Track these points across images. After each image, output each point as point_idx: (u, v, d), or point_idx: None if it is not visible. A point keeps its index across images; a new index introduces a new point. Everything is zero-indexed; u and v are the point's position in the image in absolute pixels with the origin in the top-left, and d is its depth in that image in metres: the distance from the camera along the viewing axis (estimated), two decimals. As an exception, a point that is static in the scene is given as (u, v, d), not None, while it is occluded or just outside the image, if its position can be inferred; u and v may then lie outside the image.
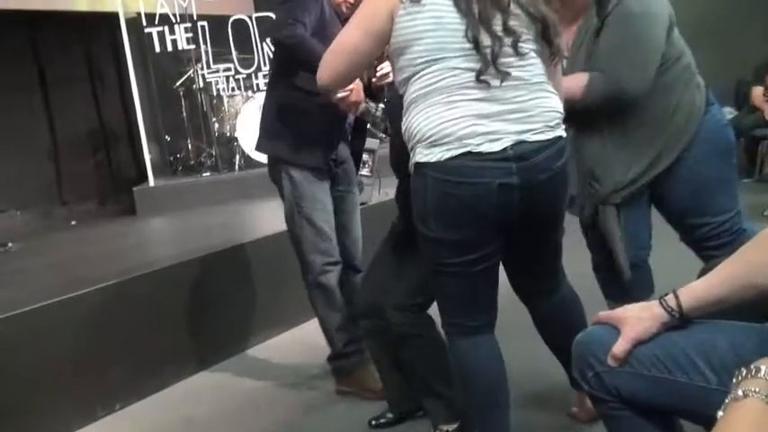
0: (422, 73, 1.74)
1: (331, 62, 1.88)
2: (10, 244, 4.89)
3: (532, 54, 1.77)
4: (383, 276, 2.41)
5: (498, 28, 1.71)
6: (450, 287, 1.86)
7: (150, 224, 5.61)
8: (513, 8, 1.74)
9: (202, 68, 6.58)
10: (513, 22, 1.73)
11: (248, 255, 3.66)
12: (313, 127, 2.77)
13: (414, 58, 1.75)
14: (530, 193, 1.74)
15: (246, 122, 6.07)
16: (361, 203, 3.43)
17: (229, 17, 6.67)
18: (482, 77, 1.70)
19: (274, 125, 2.86)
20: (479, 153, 1.69)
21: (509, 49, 1.72)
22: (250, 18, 6.71)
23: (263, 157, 3.14)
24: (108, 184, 7.25)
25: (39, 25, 6.59)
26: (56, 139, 7.00)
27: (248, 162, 6.18)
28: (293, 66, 2.69)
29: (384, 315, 2.35)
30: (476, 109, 1.70)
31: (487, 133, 1.70)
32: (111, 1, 6.35)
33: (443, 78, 1.72)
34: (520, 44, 1.73)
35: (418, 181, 1.78)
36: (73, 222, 6.19)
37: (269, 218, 4.10)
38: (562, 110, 1.82)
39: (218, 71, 6.66)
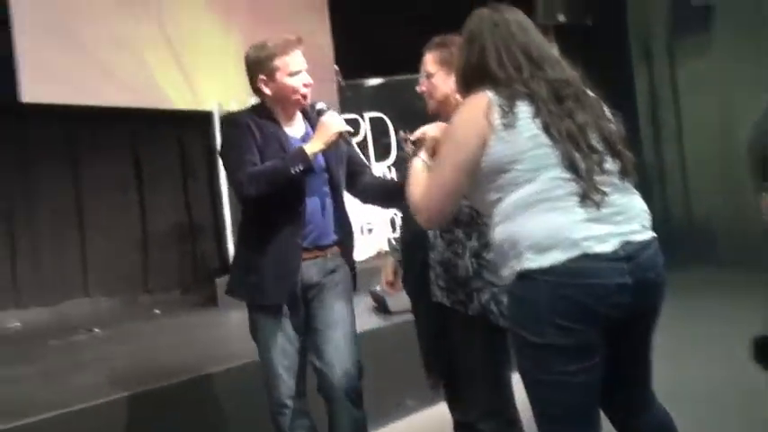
0: (524, 186, 1.79)
1: (434, 206, 1.93)
2: (96, 329, 5.03)
3: (612, 164, 1.87)
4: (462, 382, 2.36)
5: (585, 147, 1.81)
6: (558, 399, 1.80)
7: (230, 316, 5.65)
8: (590, 128, 1.84)
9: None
10: (593, 142, 1.83)
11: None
12: (261, 261, 2.62)
13: (515, 177, 1.80)
14: (641, 292, 1.77)
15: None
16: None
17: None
18: (585, 198, 1.77)
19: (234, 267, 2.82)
20: (595, 254, 1.74)
21: (597, 167, 1.81)
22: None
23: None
24: (192, 275, 7.42)
25: (136, 121, 6.97)
26: (145, 229, 7.25)
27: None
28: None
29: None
30: (583, 214, 1.77)
31: (598, 236, 1.75)
32: (207, 101, 6.69)
33: (547, 189, 1.78)
34: (604, 161, 1.84)
35: (527, 288, 1.77)
36: (156, 311, 6.33)
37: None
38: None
39: (303, 168, 6.83)
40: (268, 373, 2.68)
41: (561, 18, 7.03)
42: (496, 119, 1.80)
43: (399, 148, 2.57)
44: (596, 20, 7.21)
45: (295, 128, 2.74)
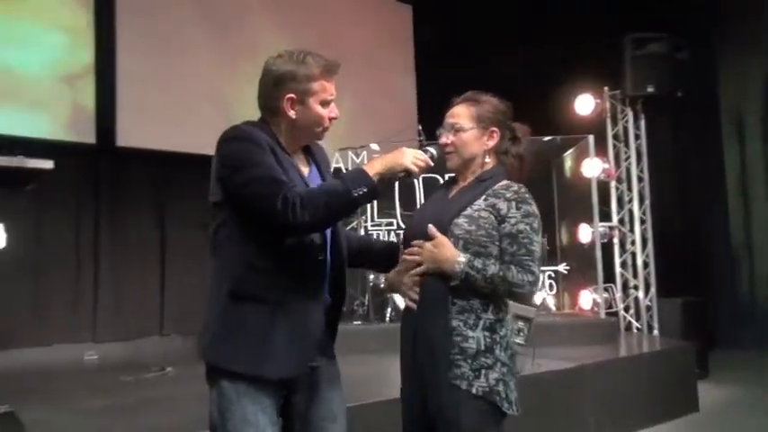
0: None
1: None
2: (169, 368, 5.11)
3: None
4: None
5: None
6: None
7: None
8: None
9: (366, 221, 6.83)
10: None
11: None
12: (272, 320, 2.00)
13: None
14: None
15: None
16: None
17: (397, 176, 6.97)
18: None
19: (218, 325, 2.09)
20: None
21: None
22: (416, 179, 6.96)
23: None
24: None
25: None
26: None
27: (399, 315, 6.21)
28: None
29: None
30: None
31: None
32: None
33: None
34: None
35: None
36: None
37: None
38: None
39: (380, 225, 6.88)
40: None
41: (651, 89, 6.97)
42: None
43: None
44: (686, 92, 7.11)
45: (301, 164, 2.18)
